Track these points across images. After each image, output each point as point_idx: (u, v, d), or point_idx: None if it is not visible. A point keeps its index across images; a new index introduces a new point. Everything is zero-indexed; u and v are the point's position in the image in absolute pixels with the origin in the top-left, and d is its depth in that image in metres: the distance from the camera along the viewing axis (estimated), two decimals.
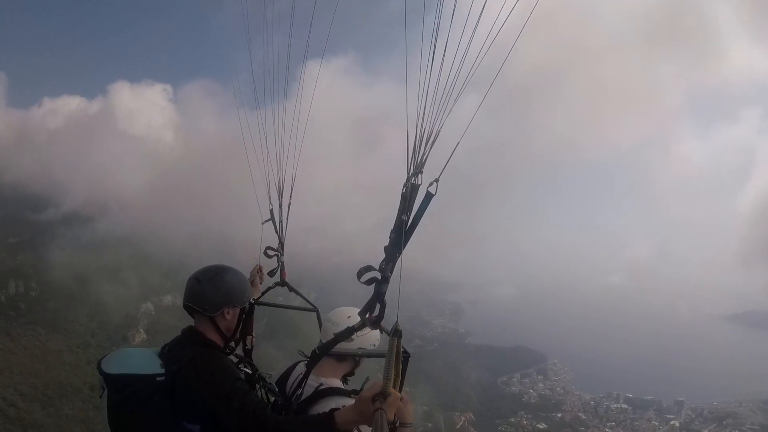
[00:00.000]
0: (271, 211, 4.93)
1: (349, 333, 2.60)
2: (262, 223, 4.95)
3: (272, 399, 3.32)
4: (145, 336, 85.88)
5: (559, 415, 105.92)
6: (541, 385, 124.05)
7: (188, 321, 3.30)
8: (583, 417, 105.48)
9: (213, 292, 3.06)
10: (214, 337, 3.09)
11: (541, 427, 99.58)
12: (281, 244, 4.88)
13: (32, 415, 60.85)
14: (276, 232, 4.90)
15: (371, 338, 3.37)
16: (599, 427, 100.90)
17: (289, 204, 4.83)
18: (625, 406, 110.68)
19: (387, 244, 2.27)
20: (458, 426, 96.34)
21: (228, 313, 3.09)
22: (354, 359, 3.47)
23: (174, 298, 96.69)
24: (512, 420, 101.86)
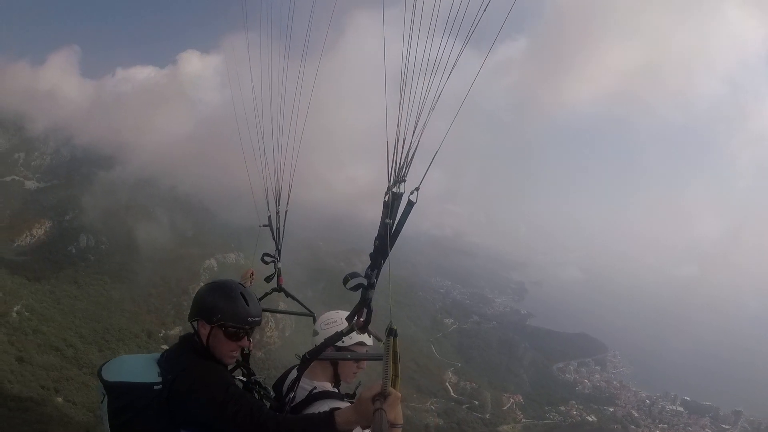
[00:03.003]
0: (269, 217, 4.96)
1: (337, 337, 2.72)
2: (260, 226, 5.03)
3: (268, 404, 3.36)
4: None
5: (611, 409, 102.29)
6: (597, 376, 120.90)
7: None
8: (636, 415, 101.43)
9: (192, 302, 3.16)
10: (202, 336, 3.09)
11: (590, 419, 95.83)
12: (278, 250, 4.90)
13: (88, 356, 64.86)
14: (273, 238, 4.94)
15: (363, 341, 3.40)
16: (650, 428, 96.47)
17: (286, 212, 4.89)
18: (680, 408, 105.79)
19: (372, 251, 2.38)
20: (505, 407, 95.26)
21: (201, 325, 3.07)
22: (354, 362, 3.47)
23: (237, 257, 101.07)
24: (562, 408, 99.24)
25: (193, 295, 3.19)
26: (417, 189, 2.20)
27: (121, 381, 2.97)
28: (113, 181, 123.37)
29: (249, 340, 3.18)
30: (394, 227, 2.28)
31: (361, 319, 2.46)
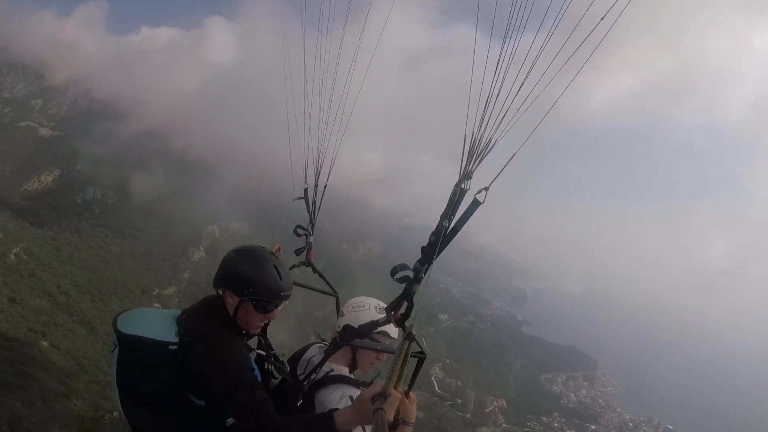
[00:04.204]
0: (305, 190, 4.86)
1: (372, 326, 2.65)
2: (294, 200, 4.91)
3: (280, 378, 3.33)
4: (204, 254, 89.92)
5: (594, 427, 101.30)
6: (584, 391, 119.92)
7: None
8: None
9: (220, 266, 3.03)
10: (229, 306, 3.00)
11: None
12: (312, 224, 4.81)
13: (80, 305, 65.80)
14: (308, 212, 4.83)
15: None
16: None
17: (325, 186, 4.75)
18: None
19: (425, 244, 2.29)
20: (488, 409, 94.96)
21: (228, 295, 2.96)
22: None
23: (240, 226, 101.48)
24: (544, 419, 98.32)
25: (201, 259, 2.95)
26: (486, 189, 2.10)
27: (137, 335, 2.87)
28: (127, 137, 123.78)
29: (275, 312, 3.12)
30: (453, 225, 2.19)
31: (400, 312, 2.36)
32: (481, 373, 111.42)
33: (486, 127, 2.12)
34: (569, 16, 1.97)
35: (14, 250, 67.32)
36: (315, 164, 4.65)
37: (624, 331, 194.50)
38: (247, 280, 2.91)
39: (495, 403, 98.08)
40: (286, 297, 3.04)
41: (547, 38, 1.97)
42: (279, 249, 4.62)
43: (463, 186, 2.17)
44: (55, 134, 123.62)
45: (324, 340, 3.68)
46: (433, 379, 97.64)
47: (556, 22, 1.96)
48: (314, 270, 4.73)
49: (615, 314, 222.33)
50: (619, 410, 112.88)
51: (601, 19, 1.87)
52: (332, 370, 3.26)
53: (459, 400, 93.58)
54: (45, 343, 53.47)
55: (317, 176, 4.73)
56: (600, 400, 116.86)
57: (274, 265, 2.99)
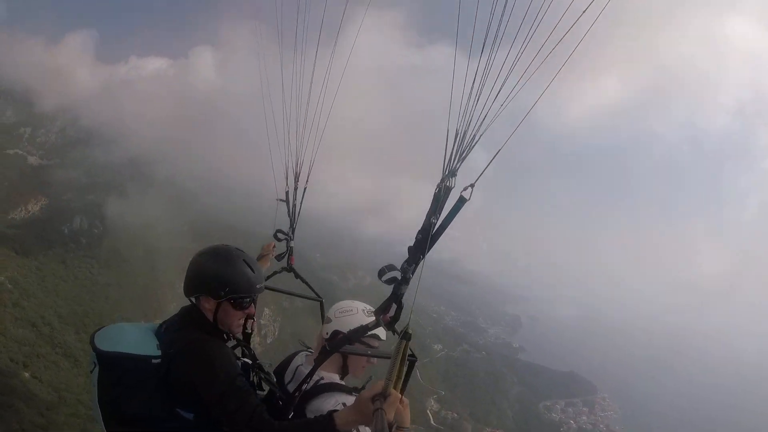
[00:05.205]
0: (287, 193, 4.84)
1: (362, 331, 2.57)
2: (277, 200, 4.88)
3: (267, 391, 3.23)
4: None
5: None
6: (584, 417, 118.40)
7: None
8: None
9: (189, 273, 2.92)
10: (207, 312, 2.90)
11: None
12: (292, 228, 4.80)
13: (63, 336, 64.27)
14: (289, 215, 4.82)
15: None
16: None
17: (305, 189, 4.74)
18: None
19: (411, 244, 2.26)
20: None
21: (204, 300, 2.88)
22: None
23: None
24: None
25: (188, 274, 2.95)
26: (472, 186, 2.12)
27: (117, 351, 2.71)
28: (115, 166, 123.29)
29: (254, 307, 3.05)
30: (440, 223, 2.20)
31: (389, 315, 2.34)
32: (477, 403, 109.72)
33: (469, 124, 2.15)
34: (546, 24, 2.02)
35: None
36: (295, 167, 4.66)
37: (621, 353, 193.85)
38: (221, 281, 2.83)
39: None
40: (261, 289, 2.99)
41: (522, 49, 2.05)
42: (274, 246, 4.81)
43: (447, 183, 2.17)
44: (43, 163, 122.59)
45: (309, 348, 3.60)
46: (428, 412, 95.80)
47: (531, 32, 2.02)
48: (296, 275, 4.73)
49: (611, 336, 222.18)
50: None
51: (572, 26, 1.93)
52: (322, 378, 3.15)
53: None
54: (26, 374, 52.25)
55: (297, 179, 4.71)
56: (601, 426, 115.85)
57: (244, 260, 2.92)
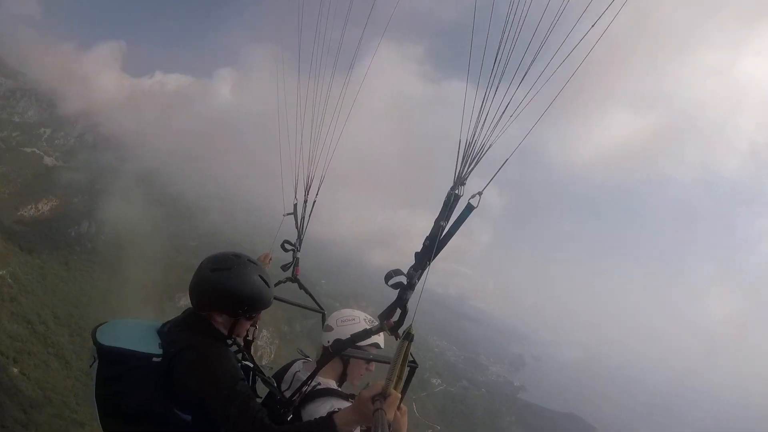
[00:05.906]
0: (295, 206, 4.87)
1: (365, 335, 2.56)
2: (284, 215, 4.91)
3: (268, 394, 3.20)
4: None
5: None
6: None
7: None
8: None
9: (201, 289, 2.83)
10: (219, 324, 2.85)
11: None
12: (300, 240, 4.84)
13: (57, 337, 63.97)
14: (296, 227, 4.86)
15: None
16: None
17: (314, 202, 4.76)
18: None
19: (419, 250, 2.23)
20: None
21: (217, 315, 2.82)
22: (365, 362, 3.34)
23: None
24: None
25: (193, 279, 2.85)
26: (480, 194, 2.16)
27: (118, 347, 2.67)
28: (127, 175, 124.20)
29: (255, 325, 3.13)
30: (447, 230, 2.23)
31: (393, 320, 2.35)
32: None
33: (480, 133, 2.19)
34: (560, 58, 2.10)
35: (0, 273, 66.00)
36: (305, 180, 4.67)
37: (625, 396, 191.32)
38: (239, 301, 2.79)
39: None
40: (272, 301, 2.99)
41: (532, 89, 2.12)
42: (271, 259, 4.67)
43: (456, 192, 2.20)
44: (58, 164, 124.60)
45: (307, 356, 3.62)
46: None
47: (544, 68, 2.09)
48: (300, 286, 4.65)
49: (615, 379, 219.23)
50: None
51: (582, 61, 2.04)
52: (319, 383, 3.14)
53: None
54: (15, 370, 51.74)
55: (307, 192, 4.72)
56: None
57: (260, 275, 2.87)
